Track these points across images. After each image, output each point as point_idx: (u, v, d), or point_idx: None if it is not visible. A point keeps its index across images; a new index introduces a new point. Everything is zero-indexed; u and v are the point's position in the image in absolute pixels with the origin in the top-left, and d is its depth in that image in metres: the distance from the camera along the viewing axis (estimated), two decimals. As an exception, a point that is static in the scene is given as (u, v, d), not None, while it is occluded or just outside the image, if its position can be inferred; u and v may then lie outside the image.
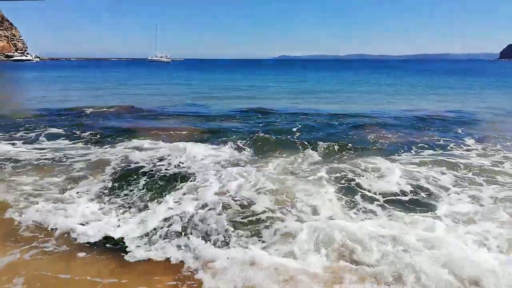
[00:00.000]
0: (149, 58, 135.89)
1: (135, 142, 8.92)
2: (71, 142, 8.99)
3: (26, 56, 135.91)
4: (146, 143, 8.71)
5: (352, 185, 5.97)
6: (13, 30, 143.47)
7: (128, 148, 8.34)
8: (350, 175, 6.38)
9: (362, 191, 5.73)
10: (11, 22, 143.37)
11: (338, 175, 6.40)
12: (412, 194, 5.65)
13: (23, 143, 8.83)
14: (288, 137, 9.56)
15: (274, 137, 9.31)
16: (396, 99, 20.07)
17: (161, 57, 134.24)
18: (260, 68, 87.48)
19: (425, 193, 5.69)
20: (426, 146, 8.71)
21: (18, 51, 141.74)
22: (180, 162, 7.16)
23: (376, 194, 5.60)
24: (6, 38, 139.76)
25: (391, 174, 6.34)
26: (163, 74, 50.60)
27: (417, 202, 5.38)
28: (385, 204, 5.26)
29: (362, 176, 6.37)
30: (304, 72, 60.10)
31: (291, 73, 57.42)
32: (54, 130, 10.25)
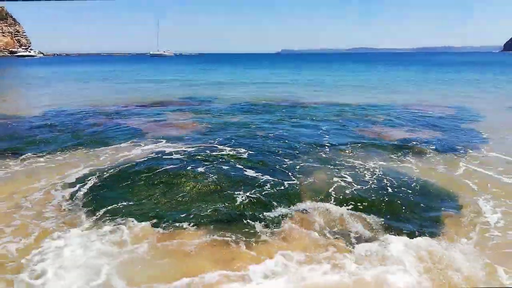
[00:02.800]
0: (150, 52, 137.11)
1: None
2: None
3: (30, 52, 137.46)
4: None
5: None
6: (17, 26, 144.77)
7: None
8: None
9: None
10: (14, 18, 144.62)
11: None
12: None
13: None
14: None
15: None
16: None
17: (164, 51, 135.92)
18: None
19: None
20: None
21: (22, 47, 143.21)
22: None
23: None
24: (10, 34, 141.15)
25: None
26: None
27: None
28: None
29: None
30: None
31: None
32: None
